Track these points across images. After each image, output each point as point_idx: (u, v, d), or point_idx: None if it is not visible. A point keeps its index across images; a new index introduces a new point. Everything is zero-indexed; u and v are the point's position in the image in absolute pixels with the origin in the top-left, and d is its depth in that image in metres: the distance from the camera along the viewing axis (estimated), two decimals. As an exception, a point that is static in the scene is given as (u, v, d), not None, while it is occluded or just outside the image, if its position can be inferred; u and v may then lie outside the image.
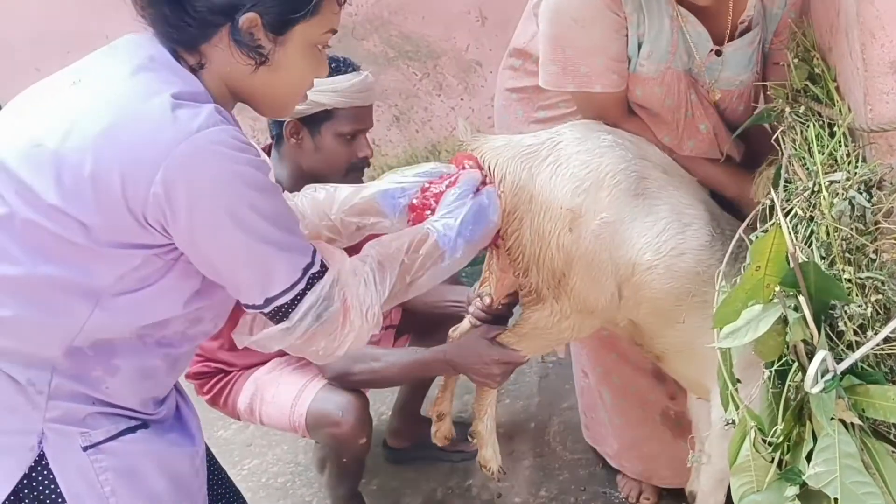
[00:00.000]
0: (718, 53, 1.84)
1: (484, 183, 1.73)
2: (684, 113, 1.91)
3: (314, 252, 1.42)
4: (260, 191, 1.32)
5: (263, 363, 2.40)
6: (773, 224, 1.56)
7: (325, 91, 2.15)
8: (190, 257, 1.35)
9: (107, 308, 1.33)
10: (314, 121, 2.21)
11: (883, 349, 1.39)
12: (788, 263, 1.33)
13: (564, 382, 3.03)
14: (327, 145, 2.23)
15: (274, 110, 1.50)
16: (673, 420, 2.29)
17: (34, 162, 1.28)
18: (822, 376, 1.32)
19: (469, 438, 2.13)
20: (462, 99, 3.40)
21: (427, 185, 1.71)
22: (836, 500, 1.34)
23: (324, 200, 1.74)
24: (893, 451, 1.39)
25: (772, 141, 1.67)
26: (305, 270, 1.39)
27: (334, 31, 1.46)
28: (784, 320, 1.35)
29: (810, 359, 1.36)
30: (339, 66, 2.20)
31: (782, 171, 1.65)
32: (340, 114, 2.20)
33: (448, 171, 1.74)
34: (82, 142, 1.27)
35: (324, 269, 1.42)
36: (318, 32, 1.41)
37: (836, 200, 1.37)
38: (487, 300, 1.94)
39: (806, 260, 1.31)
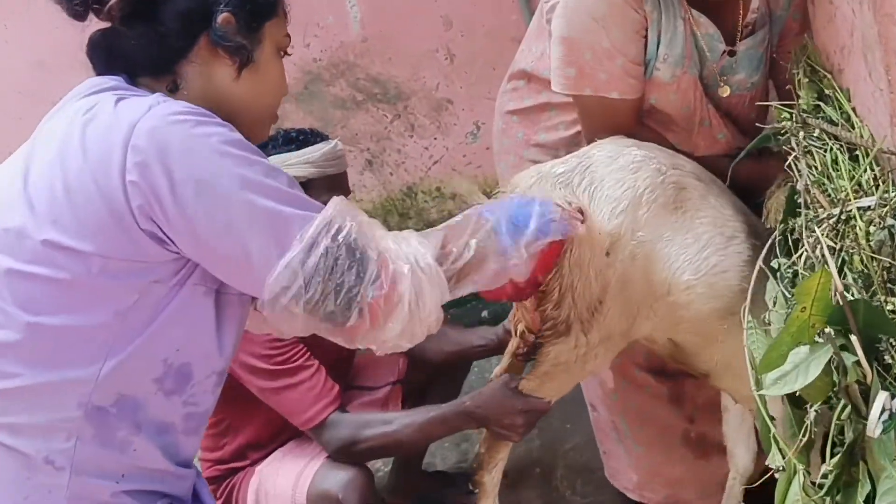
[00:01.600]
0: (732, 54, 1.82)
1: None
2: (699, 121, 1.87)
3: (325, 208, 1.28)
4: (239, 147, 1.24)
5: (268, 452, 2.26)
6: (798, 255, 1.52)
7: (298, 164, 2.09)
8: (193, 253, 1.24)
9: (119, 353, 1.24)
10: None
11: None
12: (832, 301, 1.27)
13: (565, 422, 2.95)
14: None
15: (257, 124, 1.43)
16: (694, 442, 2.23)
17: (5, 205, 1.24)
18: (880, 416, 1.26)
19: (470, 488, 2.00)
20: (435, 138, 3.33)
21: None
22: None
23: None
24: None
25: (785, 167, 1.61)
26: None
27: (289, 37, 1.45)
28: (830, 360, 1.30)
29: (864, 398, 1.30)
30: (307, 138, 2.14)
31: (797, 198, 1.60)
32: (316, 184, 2.12)
33: None
34: (42, 167, 1.24)
35: None
36: (282, 34, 1.42)
37: (871, 229, 1.31)
38: (531, 337, 1.82)
39: (856, 297, 1.24)
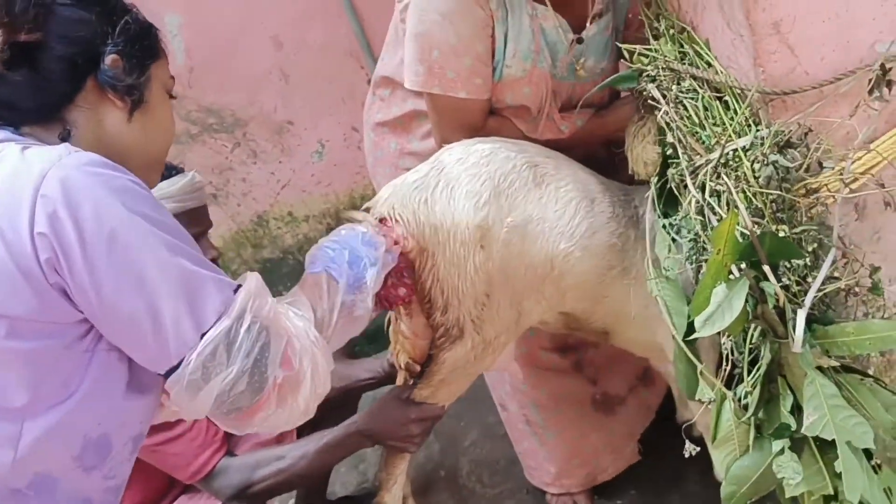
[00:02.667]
0: (580, 41, 1.90)
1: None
2: (546, 115, 1.95)
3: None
4: (150, 205, 1.20)
5: None
6: (687, 202, 1.62)
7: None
8: (94, 313, 1.16)
9: (33, 434, 1.15)
10: None
11: (822, 290, 1.47)
12: (739, 240, 1.37)
13: (458, 420, 2.97)
14: None
15: (150, 168, 1.39)
16: (601, 402, 2.32)
17: None
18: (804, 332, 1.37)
19: None
20: (280, 162, 3.26)
21: None
22: (831, 440, 1.40)
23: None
24: (861, 379, 1.47)
25: (658, 117, 1.69)
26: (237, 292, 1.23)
27: (173, 78, 1.44)
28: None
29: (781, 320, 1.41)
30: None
31: (667, 150, 1.71)
32: (177, 219, 2.01)
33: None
34: None
35: None
36: (167, 75, 1.41)
37: (757, 167, 1.42)
38: (417, 367, 1.81)
39: (763, 233, 1.35)
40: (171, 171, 2.06)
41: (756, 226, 1.43)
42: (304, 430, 2.40)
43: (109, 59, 1.29)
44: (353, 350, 2.69)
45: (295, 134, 3.24)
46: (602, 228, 1.76)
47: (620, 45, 1.82)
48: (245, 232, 3.32)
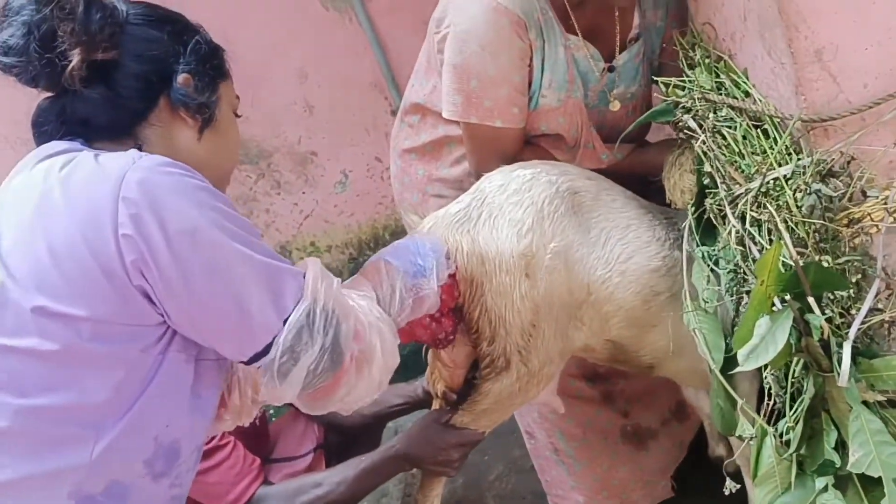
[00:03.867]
0: (611, 69, 1.89)
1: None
2: (584, 143, 1.94)
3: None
4: (224, 201, 1.24)
5: None
6: (727, 232, 1.59)
7: None
8: (180, 311, 1.20)
9: (109, 432, 1.17)
10: None
11: (867, 322, 1.43)
12: (782, 270, 1.34)
13: (482, 454, 2.92)
14: None
15: (218, 183, 1.39)
16: (632, 435, 2.28)
17: None
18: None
19: None
20: (304, 192, 3.26)
21: None
22: (876, 478, 1.35)
23: None
24: (910, 415, 1.43)
25: (696, 147, 1.68)
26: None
27: (238, 98, 1.49)
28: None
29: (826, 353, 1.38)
30: None
31: (704, 180, 1.69)
32: None
33: None
34: (17, 232, 1.17)
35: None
36: (233, 94, 1.46)
37: (800, 196, 1.39)
38: (454, 397, 1.80)
39: (807, 263, 1.32)
40: None
41: (799, 256, 1.40)
42: (331, 460, 2.39)
43: (182, 77, 1.33)
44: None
45: (318, 165, 3.24)
46: (639, 252, 1.73)
47: (655, 78, 1.81)
48: (267, 262, 3.31)
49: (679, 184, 1.80)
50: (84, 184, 1.18)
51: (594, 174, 1.85)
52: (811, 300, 1.33)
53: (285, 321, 1.23)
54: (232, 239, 1.20)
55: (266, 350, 1.24)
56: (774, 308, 1.37)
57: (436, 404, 1.90)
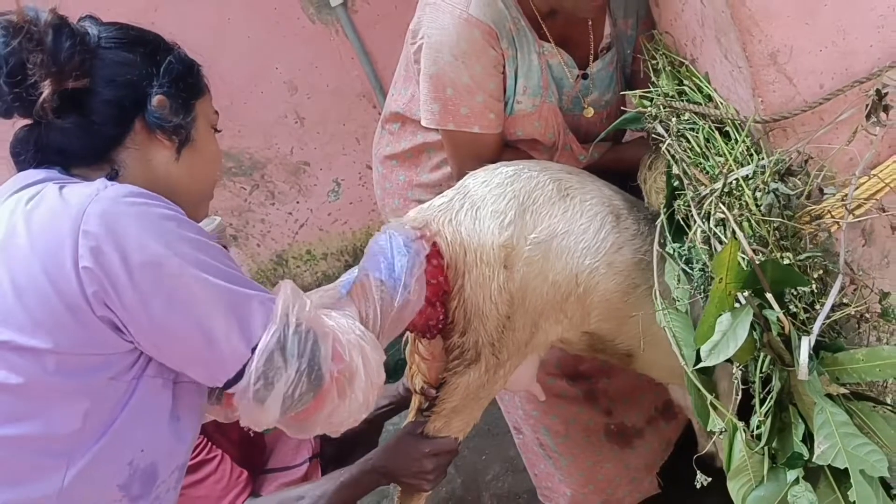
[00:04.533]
0: (585, 76, 1.94)
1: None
2: (562, 146, 1.98)
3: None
4: (194, 232, 1.22)
5: None
6: (693, 232, 1.62)
7: None
8: (148, 340, 1.20)
9: (80, 460, 1.17)
10: None
11: (831, 317, 1.46)
12: (742, 267, 1.37)
13: (480, 454, 2.96)
14: None
15: (198, 203, 1.42)
16: (616, 434, 2.30)
17: None
18: (809, 360, 1.36)
19: None
20: (297, 202, 3.31)
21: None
22: (843, 469, 1.38)
23: None
24: (874, 406, 1.45)
25: (653, 149, 1.72)
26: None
27: (217, 113, 1.47)
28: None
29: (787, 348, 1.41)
30: None
31: (673, 181, 1.72)
32: None
33: None
34: None
35: None
36: (211, 110, 1.44)
37: (759, 195, 1.43)
38: (433, 392, 1.80)
39: (763, 260, 1.35)
40: None
41: (759, 254, 1.43)
42: (328, 468, 2.42)
43: (156, 100, 1.32)
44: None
45: (311, 174, 3.29)
46: (627, 244, 1.74)
47: (623, 92, 1.85)
48: (265, 272, 3.36)
49: (654, 185, 1.84)
50: (47, 218, 1.17)
51: (575, 169, 1.87)
52: (769, 296, 1.36)
53: (254, 348, 1.22)
54: (196, 267, 1.18)
55: (238, 376, 1.23)
56: (737, 305, 1.40)
57: (414, 401, 1.91)
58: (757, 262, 1.35)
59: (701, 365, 1.40)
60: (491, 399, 1.95)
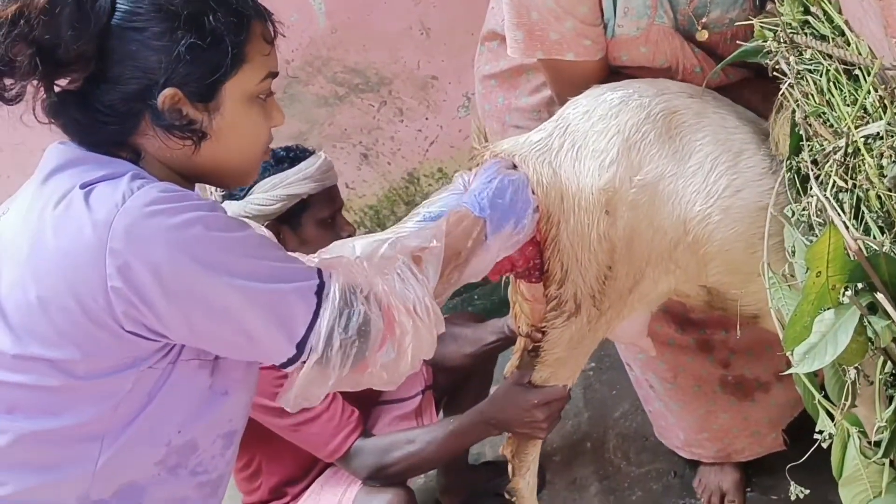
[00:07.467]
0: None
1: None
2: (687, 70, 1.72)
3: (319, 272, 1.24)
4: (224, 229, 1.16)
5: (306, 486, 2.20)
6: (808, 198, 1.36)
7: (297, 181, 2.07)
8: (191, 342, 1.20)
9: (115, 445, 1.19)
10: (292, 215, 2.09)
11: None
12: (849, 257, 1.12)
13: (611, 389, 2.83)
14: (312, 235, 2.10)
15: (237, 179, 1.35)
16: (734, 385, 2.12)
17: None
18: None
19: (507, 496, 1.93)
20: (427, 118, 3.18)
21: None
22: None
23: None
24: None
25: (780, 96, 1.44)
26: (319, 293, 1.21)
27: (274, 75, 1.30)
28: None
29: (904, 352, 1.16)
30: (297, 155, 2.12)
31: (798, 130, 1.44)
32: (316, 199, 2.10)
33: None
34: (13, 274, 1.14)
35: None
36: (254, 82, 1.26)
37: (885, 163, 1.14)
38: (538, 335, 1.73)
39: (875, 251, 1.09)
40: (304, 153, 2.15)
41: (886, 240, 1.16)
42: (442, 399, 2.43)
43: (164, 95, 1.19)
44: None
45: (440, 89, 3.14)
46: (749, 186, 1.51)
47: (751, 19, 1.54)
48: (397, 190, 3.30)
49: (781, 130, 1.55)
50: (73, 230, 1.13)
51: (700, 89, 1.62)
52: (880, 297, 1.10)
53: (298, 344, 1.20)
54: (228, 275, 1.14)
55: (287, 364, 1.23)
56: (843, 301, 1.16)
57: (520, 342, 1.89)
58: (865, 255, 1.09)
59: (791, 370, 1.18)
60: (596, 346, 1.83)
